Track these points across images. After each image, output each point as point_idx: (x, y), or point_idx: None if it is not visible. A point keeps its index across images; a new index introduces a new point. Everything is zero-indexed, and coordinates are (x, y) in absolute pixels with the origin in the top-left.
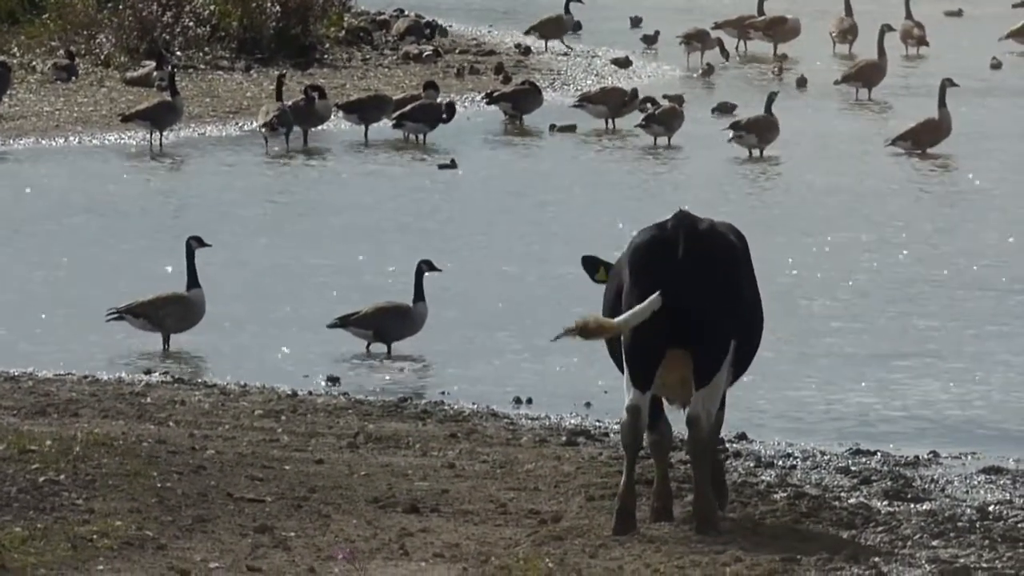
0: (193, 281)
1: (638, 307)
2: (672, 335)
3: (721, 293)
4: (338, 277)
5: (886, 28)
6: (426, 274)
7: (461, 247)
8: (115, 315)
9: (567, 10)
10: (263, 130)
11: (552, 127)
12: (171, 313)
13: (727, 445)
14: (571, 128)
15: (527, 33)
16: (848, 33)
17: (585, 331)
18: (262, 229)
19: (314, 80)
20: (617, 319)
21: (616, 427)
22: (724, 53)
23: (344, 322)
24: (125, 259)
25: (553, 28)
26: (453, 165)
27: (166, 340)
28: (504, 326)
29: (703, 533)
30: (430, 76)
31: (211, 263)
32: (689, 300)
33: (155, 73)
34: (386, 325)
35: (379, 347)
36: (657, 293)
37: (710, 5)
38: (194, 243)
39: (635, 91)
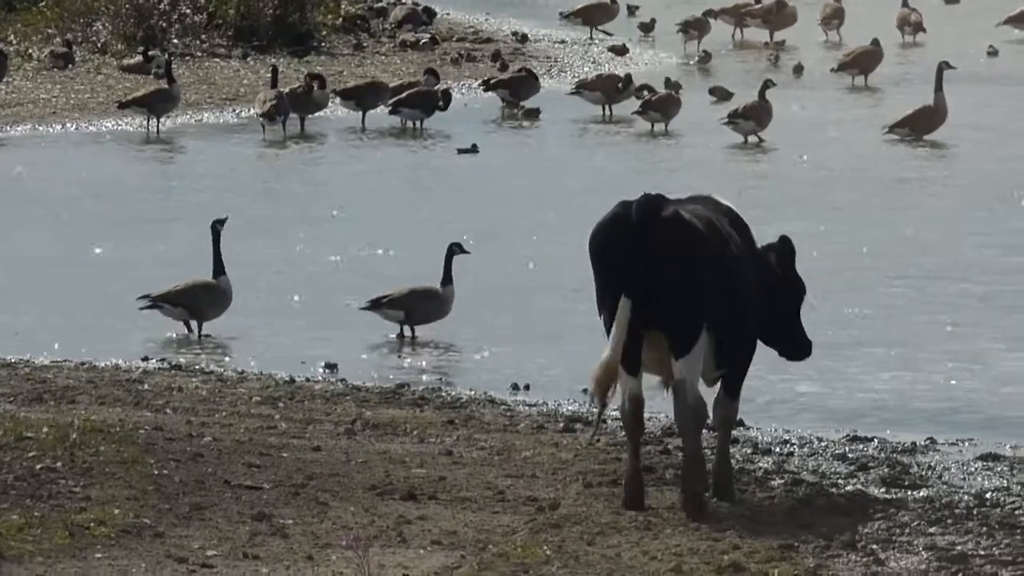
0: (219, 268)
1: (614, 331)
2: (641, 319)
3: (678, 275)
4: (336, 263)
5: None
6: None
7: (458, 233)
8: (148, 304)
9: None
10: (261, 119)
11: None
12: (207, 301)
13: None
14: (474, 150)
15: (566, 18)
16: (833, 18)
17: (600, 386)
18: (259, 216)
19: (311, 67)
20: (606, 352)
21: (614, 414)
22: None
23: (376, 305)
24: (121, 245)
25: (599, 14)
26: (474, 150)
27: (200, 328)
28: (502, 312)
29: (688, 504)
30: (427, 64)
31: (205, 248)
32: (644, 283)
33: (151, 62)
34: (417, 308)
35: (382, 333)
36: (626, 303)
37: None
38: (219, 225)
39: (628, 76)
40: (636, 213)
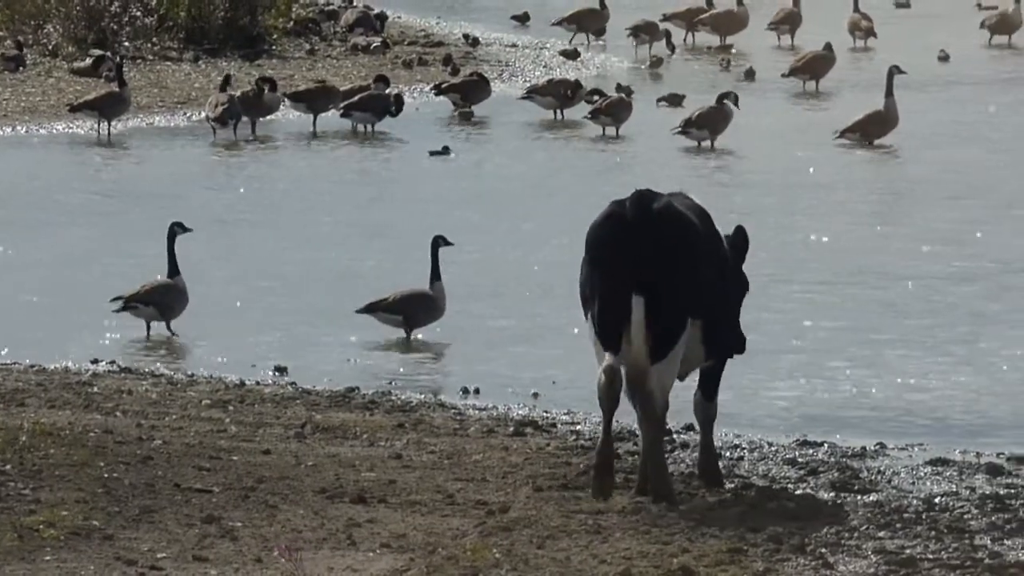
0: (174, 269)
1: (633, 332)
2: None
3: (674, 271)
4: (286, 265)
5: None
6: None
7: (405, 234)
8: (122, 306)
9: (603, 4)
10: (212, 123)
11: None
12: (172, 300)
13: (674, 436)
14: (446, 151)
15: (556, 24)
16: (783, 22)
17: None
18: (209, 218)
19: (262, 71)
20: (632, 353)
21: (564, 418)
22: (670, 46)
23: (372, 309)
24: (71, 248)
25: (590, 19)
26: (446, 152)
27: (168, 326)
28: (451, 315)
29: (658, 502)
30: (379, 67)
31: (158, 251)
32: (642, 278)
33: (103, 63)
34: (414, 311)
35: (331, 336)
36: (638, 301)
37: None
38: (177, 228)
39: (577, 82)
40: (632, 209)
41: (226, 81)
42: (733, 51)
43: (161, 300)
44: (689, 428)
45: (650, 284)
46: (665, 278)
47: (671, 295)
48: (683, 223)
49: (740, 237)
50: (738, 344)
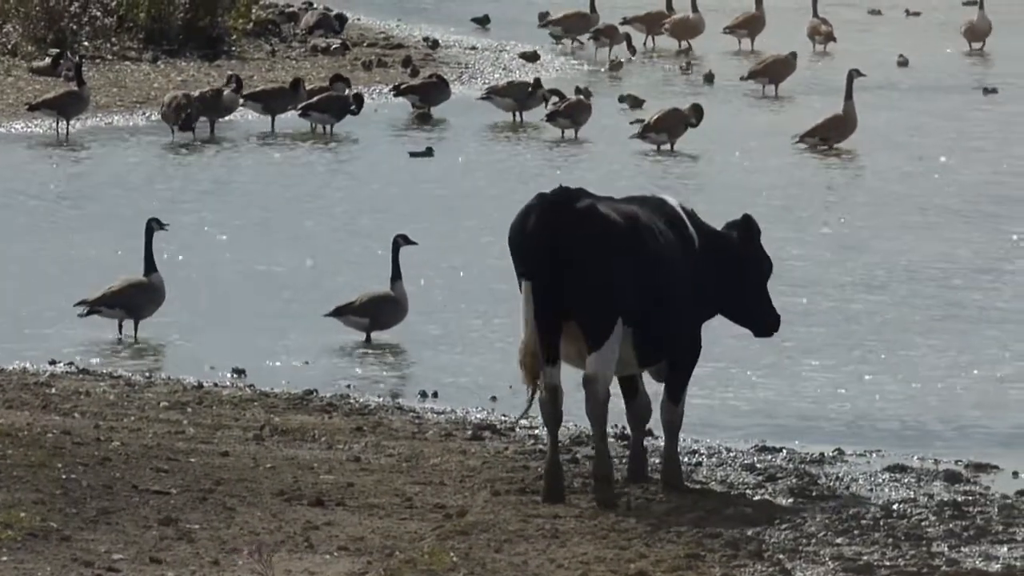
0: (151, 266)
1: (523, 313)
2: (552, 308)
3: (586, 263)
4: (244, 266)
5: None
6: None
7: (367, 237)
8: (87, 310)
9: (593, 8)
10: (172, 126)
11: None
12: (143, 299)
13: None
14: (429, 153)
15: (543, 27)
16: (743, 27)
17: (528, 370)
18: (168, 219)
19: (222, 72)
20: (520, 336)
21: (523, 422)
22: (631, 48)
23: (339, 312)
24: (29, 248)
25: (578, 23)
26: (429, 153)
27: (136, 327)
28: (409, 318)
29: (599, 492)
30: (338, 69)
31: (116, 251)
32: (554, 273)
33: (59, 64)
34: (381, 313)
35: (289, 338)
36: (527, 285)
37: (618, 1)
38: (155, 225)
39: (537, 80)
40: (546, 201)
41: (238, 83)
42: (693, 55)
43: (128, 301)
44: (647, 433)
45: (556, 276)
46: (572, 269)
47: (580, 285)
48: (596, 218)
49: (747, 223)
50: (769, 326)
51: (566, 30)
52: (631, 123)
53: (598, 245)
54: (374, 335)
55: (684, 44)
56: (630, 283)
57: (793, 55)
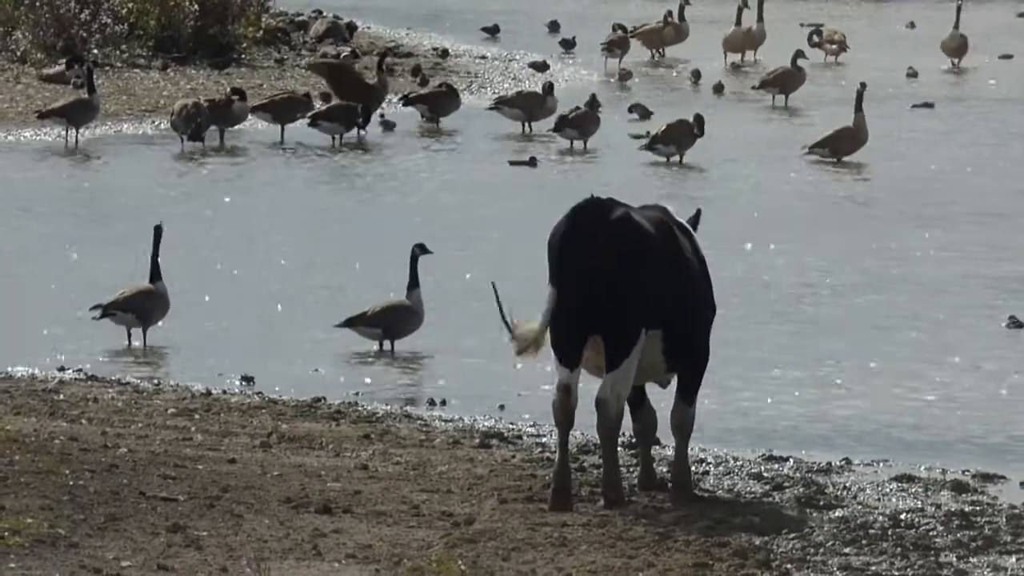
0: (156, 273)
1: (541, 317)
2: (582, 321)
3: (622, 281)
4: (254, 273)
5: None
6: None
7: (375, 248)
8: (101, 313)
9: (666, 20)
10: (182, 136)
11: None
12: (152, 306)
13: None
14: (532, 162)
15: (616, 30)
16: (733, 41)
17: (522, 342)
18: (176, 226)
19: (231, 80)
20: (539, 324)
21: (530, 430)
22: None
23: (352, 322)
24: (38, 255)
25: (654, 38)
26: (532, 163)
27: (144, 334)
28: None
29: (609, 507)
30: None
31: (127, 258)
32: (590, 288)
33: (68, 72)
34: (395, 323)
35: (297, 346)
36: (552, 290)
37: (624, 12)
38: (162, 232)
39: (550, 85)
40: (584, 214)
41: (242, 96)
42: (702, 66)
43: (140, 306)
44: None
45: (597, 295)
46: (608, 290)
47: (615, 306)
48: (635, 233)
49: (697, 220)
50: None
51: (644, 44)
52: (632, 136)
53: (634, 254)
54: (387, 344)
55: (666, 53)
56: (663, 290)
57: (800, 68)
